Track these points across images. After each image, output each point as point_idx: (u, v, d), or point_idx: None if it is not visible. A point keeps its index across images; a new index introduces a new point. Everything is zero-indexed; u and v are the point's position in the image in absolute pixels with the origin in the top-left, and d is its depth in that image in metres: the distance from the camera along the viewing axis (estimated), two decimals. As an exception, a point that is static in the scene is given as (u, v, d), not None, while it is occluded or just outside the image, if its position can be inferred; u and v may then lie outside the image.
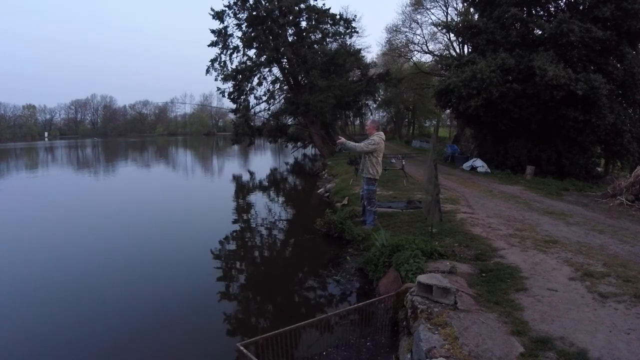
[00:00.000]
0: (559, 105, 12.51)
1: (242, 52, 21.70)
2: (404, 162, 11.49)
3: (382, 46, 35.49)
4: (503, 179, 12.00)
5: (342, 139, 6.48)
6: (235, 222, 9.00)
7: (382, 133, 6.51)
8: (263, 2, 20.60)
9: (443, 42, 27.87)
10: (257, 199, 12.04)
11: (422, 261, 4.24)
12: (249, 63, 21.38)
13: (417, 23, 27.65)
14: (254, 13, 20.25)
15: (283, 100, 23.79)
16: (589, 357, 2.58)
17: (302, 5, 20.79)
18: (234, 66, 21.67)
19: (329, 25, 22.01)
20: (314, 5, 21.31)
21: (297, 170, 22.24)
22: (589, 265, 4.25)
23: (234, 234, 7.93)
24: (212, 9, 21.12)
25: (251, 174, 19.28)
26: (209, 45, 21.62)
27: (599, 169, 15.14)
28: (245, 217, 9.63)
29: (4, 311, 4.50)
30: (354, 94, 21.94)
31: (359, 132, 35.70)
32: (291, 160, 26.80)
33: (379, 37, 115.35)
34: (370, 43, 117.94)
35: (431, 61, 29.04)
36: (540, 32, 13.85)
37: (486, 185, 10.70)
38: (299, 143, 27.46)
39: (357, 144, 6.39)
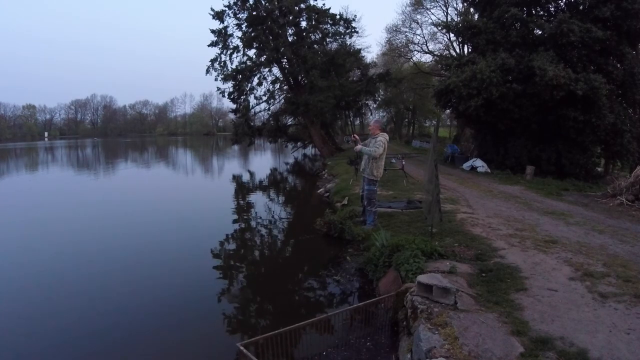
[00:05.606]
0: (559, 105, 12.52)
1: (242, 52, 21.76)
2: (403, 162, 11.48)
3: (382, 46, 35.47)
4: (503, 179, 12.00)
5: (358, 140, 6.62)
6: (235, 222, 8.99)
7: (385, 134, 6.50)
8: (263, 2, 20.63)
9: (443, 42, 27.92)
10: (257, 199, 12.04)
11: (422, 261, 4.24)
12: (249, 63, 21.41)
13: (417, 23, 27.69)
14: (254, 13, 20.28)
15: (283, 100, 23.82)
16: (589, 357, 2.57)
17: (302, 5, 20.82)
18: (234, 66, 21.74)
19: (329, 25, 22.03)
20: (314, 5, 21.33)
21: (297, 170, 22.23)
22: (589, 265, 4.25)
23: (234, 234, 7.92)
24: (212, 9, 21.16)
25: (251, 174, 19.28)
26: (209, 45, 21.68)
27: (599, 169, 15.14)
28: (245, 217, 9.63)
29: (7, 310, 4.50)
30: (354, 94, 21.96)
31: (359, 132, 35.66)
32: (291, 160, 26.77)
33: (379, 37, 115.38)
34: (370, 43, 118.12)
35: (431, 61, 29.05)
36: (540, 32, 13.85)
37: (486, 185, 10.70)
38: (299, 143, 27.49)
39: (370, 149, 6.33)
